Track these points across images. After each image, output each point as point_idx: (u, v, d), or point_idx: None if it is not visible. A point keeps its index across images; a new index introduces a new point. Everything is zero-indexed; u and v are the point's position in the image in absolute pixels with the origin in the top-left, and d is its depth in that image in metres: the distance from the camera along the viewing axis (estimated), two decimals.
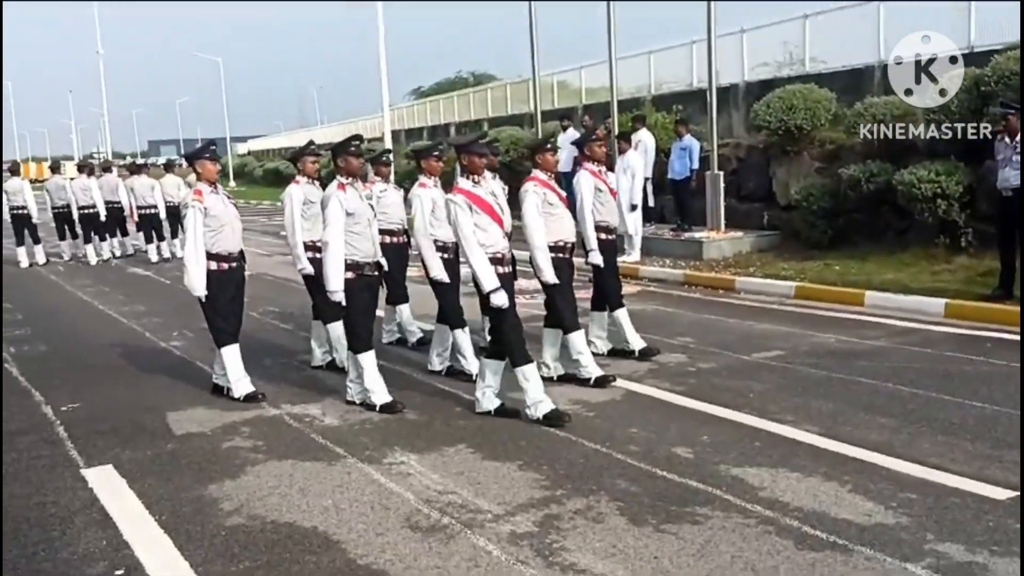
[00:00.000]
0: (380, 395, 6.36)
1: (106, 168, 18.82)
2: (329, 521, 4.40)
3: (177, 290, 13.56)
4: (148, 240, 17.49)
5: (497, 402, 6.11)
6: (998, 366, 6.87)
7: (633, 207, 12.60)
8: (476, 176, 6.03)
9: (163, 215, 17.33)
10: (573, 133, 16.16)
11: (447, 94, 39.14)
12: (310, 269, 7.42)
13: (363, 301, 6.33)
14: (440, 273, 7.02)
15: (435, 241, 7.10)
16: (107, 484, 5.08)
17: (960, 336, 8.11)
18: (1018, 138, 8.86)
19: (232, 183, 50.80)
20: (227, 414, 6.45)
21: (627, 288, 8.10)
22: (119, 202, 17.63)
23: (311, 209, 7.37)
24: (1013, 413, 5.58)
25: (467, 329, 7.22)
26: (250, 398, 6.72)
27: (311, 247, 7.39)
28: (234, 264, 6.72)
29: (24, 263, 17.05)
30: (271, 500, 4.72)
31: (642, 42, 21.98)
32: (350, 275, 6.21)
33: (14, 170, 18.25)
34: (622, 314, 7.62)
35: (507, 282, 5.96)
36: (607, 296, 7.61)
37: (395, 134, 30.39)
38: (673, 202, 15.14)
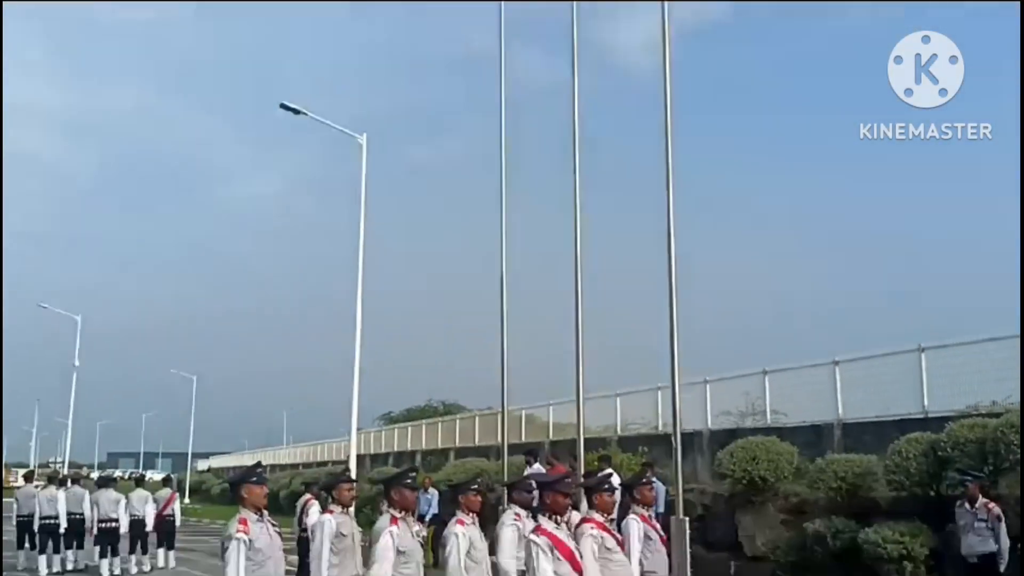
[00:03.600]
0: None
1: (75, 479, 18.61)
2: None
3: None
4: (103, 555, 16.89)
5: None
6: None
7: None
8: (559, 517, 5.70)
9: (124, 529, 16.94)
10: (539, 468, 16.15)
11: (416, 421, 39.49)
12: None
13: None
14: None
15: None
16: None
17: None
18: (979, 504, 8.97)
19: (187, 500, 49.45)
20: None
21: None
22: (82, 514, 17.24)
23: (341, 543, 6.97)
24: None
25: None
26: None
27: None
28: None
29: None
30: None
31: (610, 383, 22.66)
32: None
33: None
34: None
35: None
36: None
37: (360, 458, 30.21)
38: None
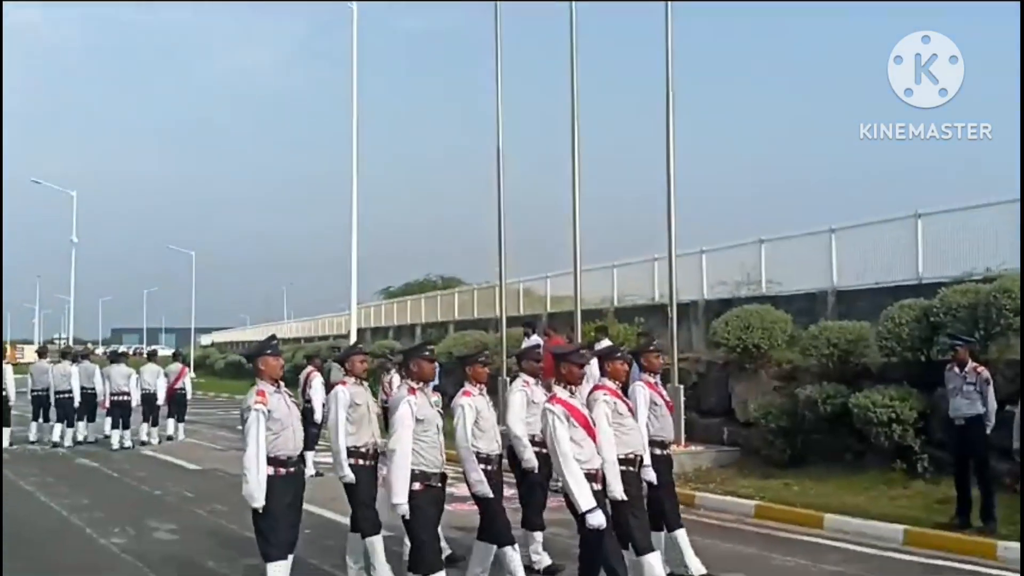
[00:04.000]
0: None
1: (85, 355, 19.21)
2: None
3: (123, 484, 13.17)
4: (114, 426, 17.64)
5: None
6: None
7: None
8: (573, 387, 5.84)
9: (135, 403, 17.71)
10: (536, 339, 16.39)
11: (415, 295, 39.83)
12: (352, 477, 7.09)
13: (429, 516, 5.93)
14: (484, 488, 6.52)
15: (477, 453, 6.60)
16: None
17: (919, 564, 8.00)
18: (967, 368, 9.14)
19: (192, 374, 50.39)
20: None
21: None
22: (94, 388, 17.95)
23: (356, 412, 7.17)
24: None
25: (516, 546, 6.70)
26: None
27: (353, 453, 7.12)
28: (292, 468, 6.16)
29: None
30: None
31: (607, 255, 22.77)
32: (416, 486, 5.82)
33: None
34: (681, 535, 7.21)
35: (599, 501, 5.63)
36: (664, 515, 7.14)
37: (361, 332, 30.64)
38: None
